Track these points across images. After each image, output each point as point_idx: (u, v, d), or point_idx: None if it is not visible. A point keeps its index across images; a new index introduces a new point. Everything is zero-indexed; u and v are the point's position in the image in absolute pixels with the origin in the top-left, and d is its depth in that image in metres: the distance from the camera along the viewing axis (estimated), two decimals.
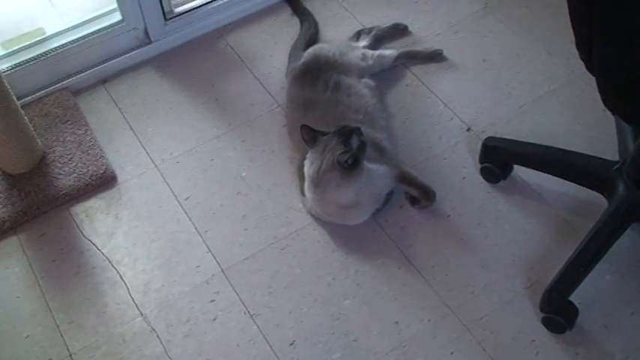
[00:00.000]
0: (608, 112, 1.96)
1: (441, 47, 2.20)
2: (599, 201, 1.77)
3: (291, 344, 1.69)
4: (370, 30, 2.22)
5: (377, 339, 1.68)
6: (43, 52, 2.11)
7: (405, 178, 1.86)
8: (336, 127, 1.78)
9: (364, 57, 2.08)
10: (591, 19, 1.19)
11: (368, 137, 1.80)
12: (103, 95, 2.17)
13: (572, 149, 1.86)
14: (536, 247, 1.80)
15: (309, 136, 1.77)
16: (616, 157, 1.80)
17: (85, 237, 1.89)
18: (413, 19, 2.29)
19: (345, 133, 1.74)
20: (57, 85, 2.15)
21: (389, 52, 2.15)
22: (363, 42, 2.18)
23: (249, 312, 1.74)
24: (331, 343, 1.68)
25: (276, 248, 1.84)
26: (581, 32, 1.24)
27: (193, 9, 2.26)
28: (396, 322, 1.70)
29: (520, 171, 1.91)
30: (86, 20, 2.18)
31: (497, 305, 1.71)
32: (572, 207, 1.86)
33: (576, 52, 2.09)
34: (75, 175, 1.97)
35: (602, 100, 1.38)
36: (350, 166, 1.69)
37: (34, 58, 2.10)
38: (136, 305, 1.77)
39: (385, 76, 2.14)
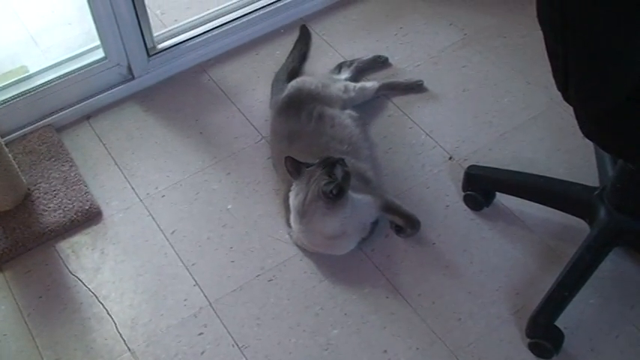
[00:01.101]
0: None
1: (422, 78, 2.23)
2: (581, 226, 1.80)
3: None
4: (351, 62, 2.26)
5: None
6: (27, 90, 2.12)
7: (389, 208, 1.88)
8: (320, 158, 1.80)
9: (346, 89, 2.11)
10: (566, 50, 1.23)
11: (352, 167, 1.82)
12: (87, 131, 2.18)
13: (553, 175, 1.89)
14: (521, 272, 1.82)
15: (294, 168, 1.79)
16: (596, 183, 1.83)
17: (71, 273, 1.88)
18: (393, 50, 2.33)
19: (330, 164, 1.76)
20: (41, 122, 2.15)
21: (370, 83, 2.18)
22: (345, 74, 2.22)
23: (237, 344, 1.74)
24: None
25: (263, 280, 1.84)
26: (558, 64, 1.27)
27: (176, 44, 2.29)
28: (385, 351, 1.71)
29: (503, 198, 1.94)
30: (69, 57, 2.20)
31: (484, 331, 1.73)
32: (554, 232, 1.88)
33: (554, 81, 2.14)
34: (60, 211, 1.97)
35: (580, 128, 1.41)
36: (335, 195, 1.70)
37: (17, 96, 2.11)
38: (124, 340, 1.76)
39: (367, 107, 2.17)
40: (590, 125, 1.36)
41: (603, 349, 1.68)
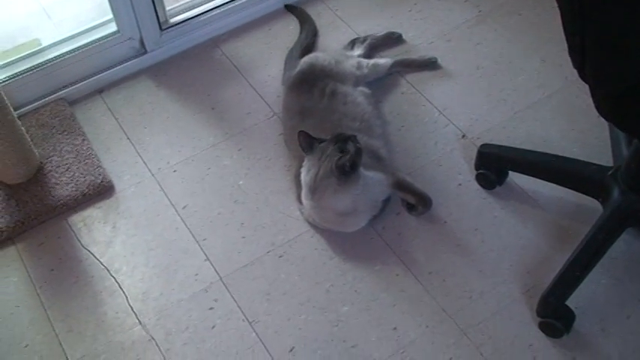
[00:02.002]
0: (602, 118, 2.00)
1: (435, 55, 2.22)
2: (594, 206, 1.79)
3: (290, 351, 1.69)
4: (364, 39, 2.24)
5: (375, 345, 1.69)
6: (40, 63, 2.12)
7: (401, 185, 1.88)
8: (333, 134, 1.79)
9: (359, 66, 2.10)
10: (584, 30, 1.21)
11: (364, 145, 1.81)
12: (99, 105, 2.18)
13: (566, 155, 1.88)
14: (532, 252, 1.81)
15: (306, 143, 1.78)
16: (610, 163, 1.81)
17: (83, 246, 1.89)
18: (407, 27, 2.31)
19: (342, 140, 1.76)
20: (53, 96, 2.16)
21: (384, 60, 2.16)
22: (358, 51, 2.20)
23: (247, 319, 1.74)
24: (330, 350, 1.69)
25: (273, 256, 1.85)
26: (574, 42, 1.25)
27: (188, 19, 2.28)
28: (395, 328, 1.71)
29: (515, 177, 1.92)
30: (82, 31, 2.20)
31: (494, 310, 1.72)
32: (567, 212, 1.87)
33: (569, 59, 2.12)
34: (72, 184, 1.97)
35: (596, 107, 1.40)
36: (349, 169, 1.70)
37: (31, 69, 2.12)
38: (135, 314, 1.77)
39: (380, 84, 2.15)
40: (606, 104, 1.34)
41: (614, 330, 1.67)
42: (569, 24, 1.24)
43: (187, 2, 2.30)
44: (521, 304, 1.73)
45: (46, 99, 2.15)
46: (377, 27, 2.31)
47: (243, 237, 1.89)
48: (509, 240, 1.84)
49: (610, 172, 1.73)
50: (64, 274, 1.85)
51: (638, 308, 1.70)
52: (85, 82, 2.18)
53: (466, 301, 1.74)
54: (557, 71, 2.17)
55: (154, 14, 2.17)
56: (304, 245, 1.86)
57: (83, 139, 2.07)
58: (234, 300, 1.78)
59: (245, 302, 1.77)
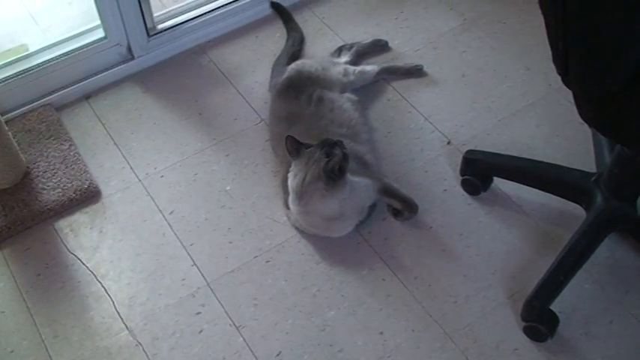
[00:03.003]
0: (585, 125, 2.03)
1: (421, 62, 2.24)
2: (577, 212, 1.81)
3: (277, 356, 1.70)
4: (351, 46, 2.26)
5: (362, 349, 1.70)
6: (27, 69, 2.12)
7: (387, 191, 1.89)
8: (320, 140, 1.80)
9: (346, 72, 2.12)
10: (566, 36, 1.23)
11: (351, 150, 1.82)
12: (86, 111, 2.19)
13: (550, 161, 1.90)
14: (516, 257, 1.83)
15: (294, 147, 1.79)
16: (593, 169, 1.84)
17: (69, 251, 1.89)
18: (393, 35, 2.33)
19: (329, 145, 1.77)
20: (40, 101, 2.15)
21: (370, 67, 2.18)
22: (345, 58, 2.22)
23: (234, 324, 1.75)
24: (317, 355, 1.69)
25: (261, 261, 1.86)
26: (558, 48, 1.28)
27: (176, 25, 2.29)
28: (381, 333, 1.72)
29: (500, 183, 1.94)
30: (69, 37, 2.20)
31: (479, 315, 1.74)
32: (551, 218, 1.90)
33: (553, 67, 2.14)
34: (59, 189, 1.97)
35: (579, 113, 1.42)
36: (337, 174, 1.71)
37: (18, 74, 2.11)
38: (122, 319, 1.77)
39: (367, 91, 2.17)
40: (589, 110, 1.37)
41: (597, 334, 1.70)
42: (552, 30, 1.27)
43: (175, 9, 2.31)
44: (506, 308, 1.75)
45: (33, 104, 2.14)
46: (363, 34, 2.33)
47: (230, 242, 1.89)
48: (493, 245, 1.86)
49: (593, 179, 1.75)
50: (50, 279, 1.85)
51: (620, 313, 1.72)
52: (72, 87, 2.18)
53: (451, 306, 1.76)
54: (541, 79, 2.19)
55: (142, 20, 2.18)
56: (291, 250, 1.87)
57: (70, 145, 2.07)
58: (221, 305, 1.78)
59: (232, 307, 1.78)
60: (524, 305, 1.69)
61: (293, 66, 2.11)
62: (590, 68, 1.25)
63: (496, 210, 1.92)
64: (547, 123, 2.10)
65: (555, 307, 1.68)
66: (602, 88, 1.27)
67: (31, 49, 2.19)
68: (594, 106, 1.35)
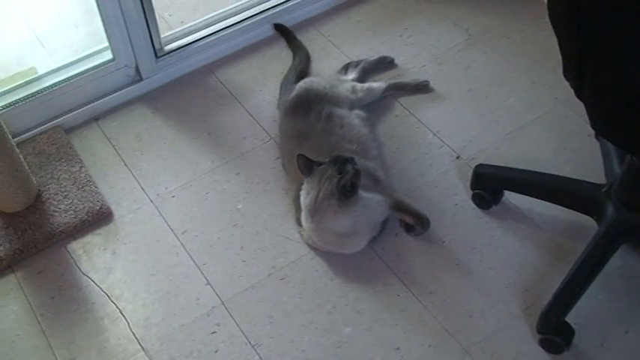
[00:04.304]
0: (592, 137, 2.05)
1: (427, 78, 2.26)
2: (588, 223, 1.82)
3: None
4: (357, 63, 2.28)
5: None
6: (36, 91, 2.13)
7: (399, 206, 1.90)
8: (331, 156, 1.82)
9: (354, 90, 2.13)
10: (581, 51, 1.25)
11: (362, 167, 1.83)
12: (95, 132, 2.20)
13: (559, 174, 1.92)
14: (530, 270, 1.84)
15: (306, 166, 1.80)
16: (602, 180, 1.85)
17: (83, 273, 1.89)
18: (398, 52, 2.35)
19: (340, 162, 1.78)
20: (50, 124, 2.16)
21: (377, 84, 2.20)
22: (351, 75, 2.24)
23: (250, 343, 1.75)
24: None
25: (275, 278, 1.86)
26: (571, 64, 1.29)
27: (183, 46, 2.30)
28: (397, 349, 1.73)
29: (511, 196, 1.96)
30: (78, 59, 2.21)
31: (495, 328, 1.74)
32: (562, 230, 1.91)
33: (559, 80, 2.16)
34: (71, 212, 1.98)
35: (592, 125, 1.44)
36: (350, 190, 1.72)
37: (27, 97, 2.12)
38: (137, 340, 1.77)
39: (374, 107, 2.19)
40: (603, 122, 1.38)
41: (613, 344, 1.70)
42: (566, 46, 1.29)
43: (182, 29, 2.33)
44: (521, 321, 1.75)
45: (43, 127, 2.15)
46: (369, 52, 2.35)
47: (244, 260, 1.90)
48: (506, 258, 1.87)
49: (604, 190, 1.77)
50: (64, 301, 1.85)
51: (635, 322, 1.73)
52: (81, 109, 2.20)
53: (467, 320, 1.76)
54: (547, 92, 2.21)
55: (150, 42, 2.19)
56: (305, 267, 1.88)
57: (80, 167, 2.08)
58: (237, 324, 1.79)
59: (247, 325, 1.78)
60: (539, 318, 1.70)
61: (301, 84, 2.13)
62: (605, 81, 1.26)
63: (508, 223, 1.93)
64: (554, 136, 2.11)
65: (570, 318, 1.69)
66: (617, 101, 1.28)
67: (40, 72, 2.20)
68: (608, 119, 1.36)
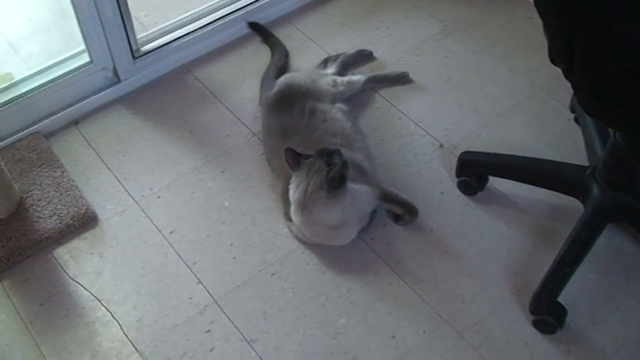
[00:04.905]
0: (572, 121, 2.08)
1: (406, 70, 2.27)
2: (572, 205, 1.85)
3: None
4: (336, 57, 2.28)
5: (376, 354, 1.71)
6: (13, 98, 2.10)
7: (387, 197, 1.91)
8: (317, 150, 1.82)
9: (335, 83, 2.14)
10: (572, 30, 1.26)
11: (348, 159, 1.84)
12: (75, 136, 2.17)
13: (541, 158, 1.94)
14: (518, 253, 1.86)
15: (293, 159, 1.80)
16: (584, 162, 1.88)
17: (71, 278, 1.87)
18: (376, 44, 2.37)
19: (327, 154, 1.79)
20: (29, 130, 2.13)
21: (357, 77, 2.21)
22: (331, 69, 2.24)
23: (246, 339, 1.74)
24: None
25: (266, 274, 1.86)
26: (562, 42, 1.31)
27: (160, 47, 2.29)
28: (393, 337, 1.73)
29: (495, 182, 1.98)
30: (54, 63, 2.18)
31: (487, 312, 1.76)
32: (547, 212, 1.93)
33: (535, 67, 2.19)
34: (55, 217, 1.95)
35: (580, 104, 1.46)
36: (339, 181, 1.73)
37: (4, 104, 2.09)
38: (131, 342, 1.75)
39: (355, 100, 2.19)
40: (592, 100, 1.40)
41: (604, 322, 1.73)
42: (554, 25, 1.30)
43: (157, 30, 2.32)
44: (512, 303, 1.77)
45: (22, 133, 2.12)
46: (347, 45, 2.36)
47: (234, 257, 1.89)
48: (494, 243, 1.89)
49: (588, 171, 1.79)
50: (53, 307, 1.82)
51: (624, 299, 1.76)
52: (59, 114, 2.17)
53: (460, 305, 1.78)
54: (524, 79, 2.24)
55: (127, 43, 2.17)
56: (296, 261, 1.88)
57: (62, 171, 2.05)
58: (231, 321, 1.78)
59: (242, 322, 1.77)
60: (532, 299, 1.72)
61: (282, 79, 2.13)
62: (596, 59, 1.28)
63: (494, 209, 1.95)
64: (534, 121, 2.14)
65: (561, 299, 1.71)
66: (607, 79, 1.30)
67: (16, 78, 2.17)
68: (597, 97, 1.38)
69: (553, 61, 1.46)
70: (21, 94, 2.11)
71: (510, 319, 1.75)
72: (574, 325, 1.73)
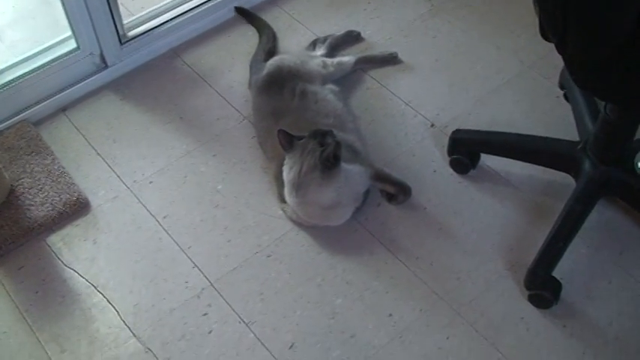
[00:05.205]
0: (562, 98, 2.09)
1: (395, 50, 2.27)
2: (564, 181, 1.87)
3: (290, 347, 1.70)
4: (325, 39, 2.28)
5: (373, 333, 1.72)
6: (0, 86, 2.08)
7: (380, 176, 1.92)
8: (311, 131, 1.82)
9: (324, 65, 2.13)
10: (565, 2, 1.27)
11: (341, 139, 1.84)
12: (64, 123, 2.15)
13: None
14: (512, 229, 1.88)
15: (286, 141, 1.80)
16: (574, 139, 1.89)
17: (65, 265, 1.86)
18: (364, 25, 2.36)
19: (320, 135, 1.79)
20: (16, 118, 2.11)
21: (347, 58, 2.20)
22: (320, 51, 2.24)
23: (243, 321, 1.75)
24: (329, 342, 1.70)
25: (261, 256, 1.86)
26: (555, 16, 1.31)
27: (147, 31, 2.27)
28: (390, 315, 1.74)
29: (487, 160, 1.99)
30: (40, 50, 2.16)
31: (483, 288, 1.77)
32: (540, 189, 1.95)
33: (524, 45, 2.20)
34: (47, 204, 1.94)
35: (572, 78, 1.47)
36: (333, 161, 1.73)
37: None
38: (128, 327, 1.75)
39: (346, 81, 2.19)
40: (584, 74, 1.41)
41: (598, 295, 1.75)
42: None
43: (143, 15, 2.29)
44: (507, 279, 1.79)
45: (10, 121, 2.10)
46: (334, 27, 2.35)
47: (229, 241, 1.89)
48: (488, 220, 1.90)
49: (579, 147, 1.80)
50: (49, 295, 1.81)
51: (618, 273, 1.78)
52: (47, 101, 2.15)
53: (455, 282, 1.79)
54: (513, 57, 2.25)
55: (114, 28, 2.15)
56: (291, 243, 1.88)
57: (53, 159, 2.04)
58: (228, 303, 1.78)
59: (239, 304, 1.77)
60: (527, 274, 1.73)
61: (272, 62, 2.12)
62: (590, 32, 1.29)
63: (486, 186, 1.96)
64: (524, 98, 2.15)
65: (556, 273, 1.73)
66: (601, 51, 1.31)
67: (1, 67, 2.14)
68: (590, 69, 1.39)
69: (544, 35, 1.47)
70: (7, 82, 2.08)
71: (506, 295, 1.76)
72: (569, 299, 1.74)
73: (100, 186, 2.01)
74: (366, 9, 2.42)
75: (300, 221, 1.89)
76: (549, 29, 1.37)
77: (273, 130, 1.85)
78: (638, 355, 1.65)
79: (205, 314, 1.77)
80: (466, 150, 1.96)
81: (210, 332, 1.73)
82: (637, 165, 1.77)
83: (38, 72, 2.12)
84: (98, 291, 1.81)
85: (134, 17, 2.29)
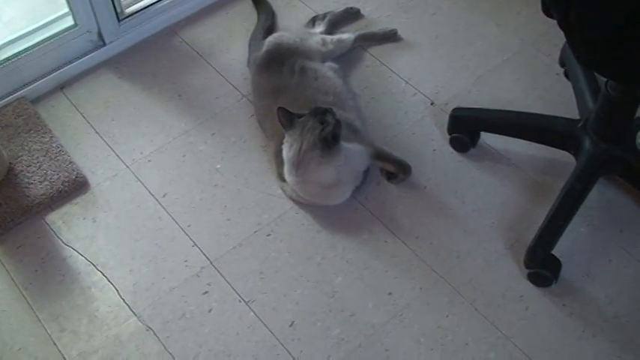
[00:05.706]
0: (562, 75, 2.08)
1: (394, 27, 2.25)
2: (564, 159, 1.87)
3: (290, 326, 1.71)
4: (324, 16, 2.26)
5: (373, 312, 1.72)
6: None
7: (380, 155, 1.91)
8: (311, 109, 1.81)
9: (324, 42, 2.12)
10: None
11: (341, 117, 1.83)
12: (62, 101, 2.14)
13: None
14: (511, 208, 1.87)
15: (286, 119, 1.79)
16: (574, 117, 1.88)
17: (64, 243, 1.86)
18: (363, 2, 2.34)
19: (321, 113, 1.78)
20: (14, 95, 2.10)
21: (347, 35, 2.19)
22: (319, 28, 2.22)
23: (243, 300, 1.75)
24: (329, 321, 1.71)
25: (261, 235, 1.85)
26: None
27: (144, 8, 2.25)
28: (390, 294, 1.74)
29: (487, 138, 1.98)
30: (37, 27, 2.14)
31: (483, 267, 1.78)
32: (539, 167, 1.94)
33: (524, 22, 2.18)
34: (46, 182, 1.93)
35: (575, 56, 1.46)
36: (333, 140, 1.72)
37: None
38: (128, 306, 1.75)
39: (345, 59, 2.18)
40: (587, 50, 1.40)
41: (598, 274, 1.75)
42: None
43: None
44: (507, 258, 1.79)
45: (7, 99, 2.09)
46: (334, 4, 2.33)
47: (228, 219, 1.89)
48: (488, 199, 1.89)
49: (580, 125, 1.80)
50: (48, 273, 1.81)
51: (618, 252, 1.78)
52: (45, 79, 2.13)
53: (455, 261, 1.79)
54: (513, 34, 2.23)
55: (111, 5, 2.13)
56: (290, 222, 1.87)
57: (51, 137, 2.03)
58: (228, 282, 1.78)
59: (239, 283, 1.78)
60: (527, 253, 1.73)
61: (271, 39, 2.10)
62: (593, 10, 1.28)
63: (486, 165, 1.95)
64: (524, 76, 2.14)
65: (555, 252, 1.73)
66: (603, 30, 1.30)
67: None
68: (593, 48, 1.38)
69: (546, 12, 1.46)
70: (4, 59, 2.07)
71: (505, 273, 1.76)
72: (569, 277, 1.74)
73: (99, 164, 2.00)
74: None
75: (300, 200, 1.89)
76: (552, 5, 1.36)
77: (273, 108, 1.84)
78: (637, 334, 1.66)
79: (206, 293, 1.77)
80: (466, 128, 1.95)
81: (210, 311, 1.74)
82: (637, 143, 1.77)
83: (35, 49, 2.10)
84: (98, 269, 1.81)
85: None
